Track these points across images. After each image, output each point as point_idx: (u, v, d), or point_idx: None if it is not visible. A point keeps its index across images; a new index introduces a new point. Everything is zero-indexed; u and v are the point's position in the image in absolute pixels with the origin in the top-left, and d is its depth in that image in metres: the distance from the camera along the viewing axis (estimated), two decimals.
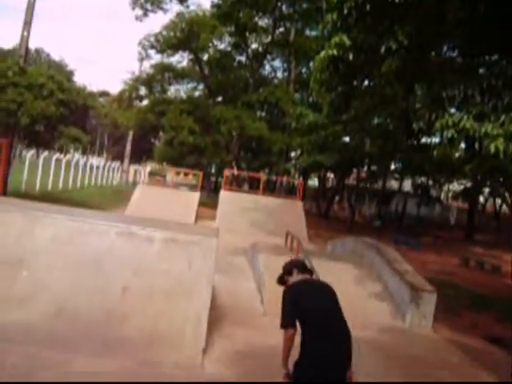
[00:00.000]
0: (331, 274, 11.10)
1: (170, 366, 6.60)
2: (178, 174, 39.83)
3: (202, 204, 26.94)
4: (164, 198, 24.70)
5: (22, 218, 8.09)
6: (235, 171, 36.38)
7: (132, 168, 53.68)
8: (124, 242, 7.84)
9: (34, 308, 7.25)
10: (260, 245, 14.10)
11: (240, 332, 8.49)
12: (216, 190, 40.42)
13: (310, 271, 5.12)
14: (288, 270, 5.09)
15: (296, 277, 4.99)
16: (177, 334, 7.15)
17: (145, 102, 44.29)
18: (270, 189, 37.81)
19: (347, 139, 33.81)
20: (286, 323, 4.58)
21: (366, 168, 38.06)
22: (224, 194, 26.06)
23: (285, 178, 38.53)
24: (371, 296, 11.06)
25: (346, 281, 11.28)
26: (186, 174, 39.36)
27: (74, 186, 34.02)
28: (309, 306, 4.62)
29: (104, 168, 43.67)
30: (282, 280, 5.11)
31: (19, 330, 6.85)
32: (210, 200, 33.31)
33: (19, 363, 6.14)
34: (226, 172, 31.89)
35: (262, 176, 33.02)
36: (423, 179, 39.80)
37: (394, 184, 48.01)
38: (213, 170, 51.44)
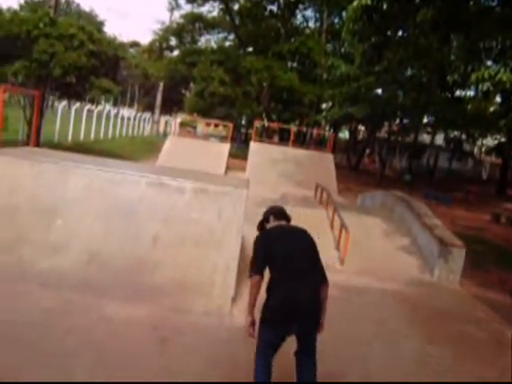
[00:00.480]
0: (360, 227, 11.17)
1: (199, 314, 6.77)
2: (208, 125, 39.82)
3: (231, 155, 27.00)
4: (194, 149, 24.79)
5: (56, 169, 8.24)
6: (265, 123, 36.22)
7: (163, 119, 53.81)
8: (155, 192, 7.95)
9: (67, 255, 7.46)
10: (289, 196, 14.16)
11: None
12: (246, 142, 40.40)
13: (287, 218, 5.03)
14: (266, 217, 5.06)
15: (272, 223, 4.97)
16: (206, 283, 7.30)
17: (175, 53, 44.14)
18: (301, 141, 37.60)
19: (379, 91, 33.28)
20: (252, 270, 4.61)
21: (397, 121, 37.53)
22: (254, 146, 26.03)
23: (315, 130, 38.26)
24: (400, 250, 11.09)
25: (374, 234, 11.33)
26: (216, 125, 39.33)
27: (106, 137, 34.36)
28: (277, 251, 4.60)
29: (135, 119, 43.90)
30: (261, 227, 5.10)
31: (54, 276, 7.07)
32: (239, 151, 33.35)
33: (54, 308, 6.36)
34: (256, 123, 31.75)
35: (293, 128, 32.83)
36: (456, 133, 39.15)
37: (425, 138, 47.30)
38: (243, 122, 51.22)
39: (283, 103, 42.17)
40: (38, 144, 19.27)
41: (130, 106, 78.27)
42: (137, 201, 7.82)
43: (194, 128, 43.37)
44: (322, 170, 23.20)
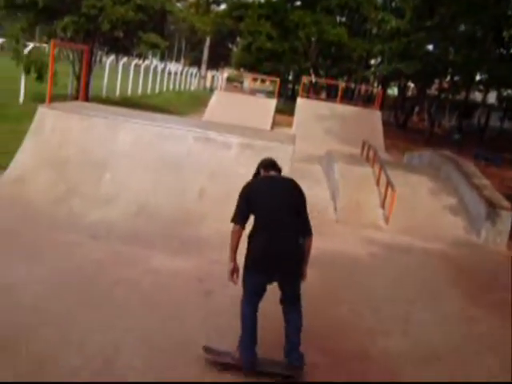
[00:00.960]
0: (406, 185, 11.03)
1: (242, 267, 6.86)
2: (255, 80, 39.59)
3: (278, 111, 26.83)
4: (241, 104, 24.71)
5: (105, 123, 8.40)
6: (313, 78, 35.75)
7: (209, 74, 53.65)
8: (201, 146, 8.03)
9: (116, 208, 7.66)
10: (335, 153, 14.06)
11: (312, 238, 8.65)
12: (293, 97, 39.98)
13: (277, 169, 4.96)
14: (257, 168, 5.02)
15: (262, 175, 4.95)
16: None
17: (222, 7, 43.59)
18: (348, 97, 37.04)
19: (430, 47, 32.29)
20: (234, 219, 4.64)
21: (448, 78, 36.45)
22: (301, 102, 25.76)
23: (363, 87, 37.58)
24: (446, 209, 10.93)
25: (420, 193, 11.18)
26: (263, 81, 39.10)
27: (153, 92, 34.56)
28: (259, 200, 4.60)
29: (182, 74, 43.90)
30: (254, 178, 5.07)
31: (103, 228, 7.29)
32: (286, 107, 33.08)
33: (103, 259, 6.57)
34: (304, 79, 31.35)
35: (340, 84, 32.31)
36: (510, 92, 37.81)
37: (477, 96, 45.85)
38: (290, 77, 50.62)
39: (331, 59, 41.42)
40: (86, 99, 19.56)
41: (177, 60, 78.18)
42: (184, 155, 7.92)
43: (241, 83, 43.22)
44: (369, 127, 22.82)
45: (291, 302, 4.71)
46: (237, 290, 5.34)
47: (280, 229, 4.48)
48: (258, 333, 4.62)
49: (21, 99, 20.13)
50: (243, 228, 4.62)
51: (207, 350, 4.72)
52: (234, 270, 4.65)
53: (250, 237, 4.58)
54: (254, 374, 4.59)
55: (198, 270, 6.60)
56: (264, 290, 4.65)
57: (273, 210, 4.52)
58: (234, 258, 4.63)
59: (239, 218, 4.61)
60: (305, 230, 4.68)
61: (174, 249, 6.97)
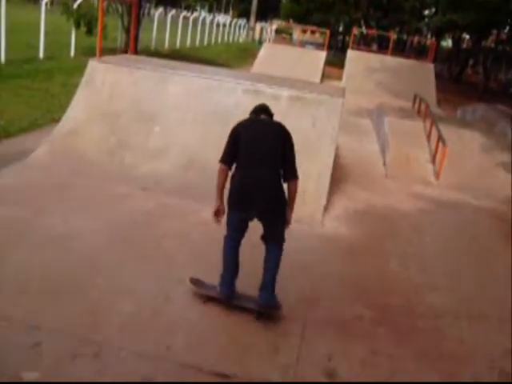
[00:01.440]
0: (458, 140, 10.78)
1: None
2: (304, 31, 38.85)
3: (328, 63, 26.39)
4: (290, 56, 24.38)
5: (154, 76, 8.43)
6: (364, 30, 34.86)
7: (258, 25, 52.92)
8: (250, 99, 7.97)
9: (166, 160, 7.74)
10: (386, 107, 13.80)
11: (361, 192, 8.62)
12: (343, 49, 39.19)
13: (270, 114, 4.97)
14: (250, 114, 5.03)
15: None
16: (298, 191, 7.37)
17: None
18: (400, 49, 36.03)
19: None
20: (221, 158, 4.70)
21: (507, 29, 34.92)
22: (351, 54, 25.20)
23: (416, 38, 36.46)
24: (498, 166, 10.65)
25: (473, 149, 10.91)
26: (312, 32, 38.34)
27: (201, 44, 34.40)
28: (244, 140, 4.62)
29: (230, 25, 43.47)
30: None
31: (153, 180, 7.40)
32: (336, 59, 32.46)
33: (153, 210, 6.70)
34: (355, 30, 30.59)
35: (392, 35, 31.39)
36: None
37: None
38: (340, 28, 49.51)
39: (383, 9, 40.22)
40: (135, 52, 19.62)
41: (226, 12, 77.30)
42: (233, 107, 7.90)
43: (290, 35, 42.53)
44: (422, 80, 22.21)
45: (269, 240, 4.79)
46: (286, 243, 5.38)
47: (256, 167, 4.54)
48: (239, 269, 4.81)
49: (72, 53, 20.36)
50: (229, 168, 4.70)
51: (194, 282, 4.91)
52: (219, 210, 4.73)
53: (232, 176, 4.68)
54: (232, 307, 4.75)
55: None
56: (245, 226, 4.74)
57: (253, 150, 4.57)
58: (219, 197, 4.70)
59: (225, 158, 4.70)
60: (290, 173, 4.69)
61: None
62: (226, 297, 4.75)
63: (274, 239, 4.78)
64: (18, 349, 3.90)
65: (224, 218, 4.77)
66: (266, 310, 4.68)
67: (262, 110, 4.96)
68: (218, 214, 4.75)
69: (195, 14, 35.24)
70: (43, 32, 18.70)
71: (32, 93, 13.11)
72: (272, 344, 4.37)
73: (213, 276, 5.24)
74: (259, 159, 4.54)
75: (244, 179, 4.57)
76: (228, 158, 4.68)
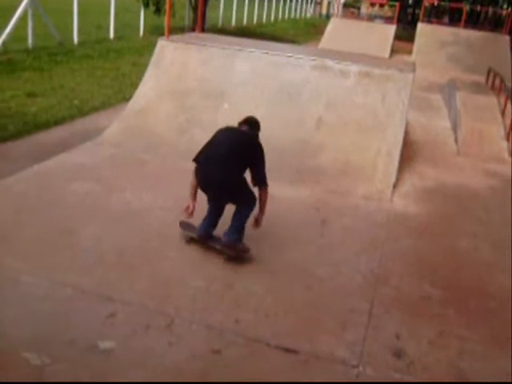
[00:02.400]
0: None
1: (359, 197, 6.85)
2: (372, 5, 37.98)
3: (397, 37, 25.76)
4: (358, 31, 23.97)
5: (222, 53, 8.47)
6: (435, 1, 33.71)
7: (325, 0, 52.16)
8: (318, 75, 7.92)
9: None
10: (458, 82, 13.37)
11: (431, 170, 8.44)
12: (413, 23, 38.03)
13: (254, 128, 5.29)
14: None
15: None
16: (368, 167, 7.32)
17: None
18: (473, 21, 34.64)
19: None
20: (194, 157, 5.03)
21: None
22: (422, 27, 24.47)
23: (490, 9, 34.94)
24: None
25: None
26: (381, 5, 37.46)
27: (268, 20, 34.26)
28: (212, 142, 5.04)
29: (297, 1, 43.01)
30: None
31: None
32: (406, 33, 31.59)
33: None
34: (425, 2, 29.63)
35: (465, 6, 30.22)
36: None
37: None
38: (410, 1, 48.09)
39: None
40: (203, 29, 19.75)
41: None
42: (301, 84, 7.86)
43: (358, 9, 41.70)
44: (496, 53, 21.34)
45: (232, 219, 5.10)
46: (352, 218, 5.36)
47: (213, 165, 4.87)
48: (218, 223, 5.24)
49: (141, 33, 20.71)
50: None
51: (182, 224, 5.42)
52: (188, 208, 5.07)
53: None
54: (205, 244, 5.23)
55: (315, 199, 6.67)
56: (219, 209, 5.26)
57: (214, 152, 4.90)
58: (191, 196, 5.08)
59: (198, 156, 5.02)
60: (259, 181, 5.01)
61: (290, 178, 7.05)
62: (200, 236, 5.23)
63: (232, 222, 5.08)
64: (93, 319, 4.05)
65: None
66: (225, 247, 5.04)
67: (247, 122, 5.27)
68: (187, 211, 5.06)
69: None
70: (113, 13, 19.10)
71: (104, 72, 13.46)
72: (339, 320, 4.37)
73: (278, 252, 5.30)
74: (216, 160, 4.86)
75: (203, 177, 4.96)
76: (198, 159, 5.01)
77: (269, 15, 34.93)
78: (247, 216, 5.06)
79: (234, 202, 5.08)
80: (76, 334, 3.85)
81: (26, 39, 15.24)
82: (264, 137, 7.66)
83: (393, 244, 5.83)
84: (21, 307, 4.09)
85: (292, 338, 4.09)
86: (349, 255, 5.25)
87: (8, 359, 3.56)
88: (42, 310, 4.09)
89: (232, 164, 4.87)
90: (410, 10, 49.32)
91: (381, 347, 4.11)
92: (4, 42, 14.22)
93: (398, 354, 4.06)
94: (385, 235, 6.00)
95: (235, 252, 5.06)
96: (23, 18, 14.95)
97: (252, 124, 5.30)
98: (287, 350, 3.94)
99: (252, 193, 5.04)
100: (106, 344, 3.79)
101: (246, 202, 5.03)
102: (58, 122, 9.07)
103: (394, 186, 7.26)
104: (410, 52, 22.97)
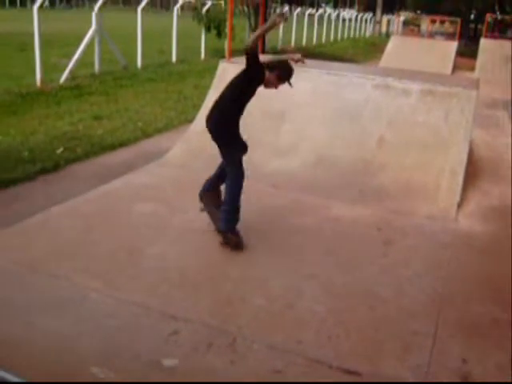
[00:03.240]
0: None
1: (422, 217, 6.73)
2: (433, 22, 37.49)
3: (459, 54, 25.32)
4: (418, 48, 23.69)
5: None
6: (498, 16, 33.00)
7: (384, 18, 51.89)
8: (380, 94, 7.88)
9: (295, 157, 7.83)
10: None
11: (496, 188, 8.18)
12: (475, 38, 37.34)
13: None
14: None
15: None
16: (431, 187, 7.19)
17: None
18: None
19: None
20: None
21: None
22: (484, 42, 24.00)
23: None
24: None
25: None
26: (442, 22, 36.89)
27: (327, 40, 34.34)
28: None
29: (356, 20, 42.97)
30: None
31: (283, 177, 7.51)
32: (468, 49, 31.00)
33: (283, 206, 6.81)
34: (488, 17, 29.04)
35: None
36: None
37: None
38: (472, 16, 47.23)
39: None
40: (263, 51, 19.98)
41: (350, 6, 76.46)
42: (362, 103, 7.84)
43: (418, 26, 41.22)
44: None
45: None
46: (416, 238, 5.26)
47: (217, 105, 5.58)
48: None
49: (202, 56, 21.13)
50: None
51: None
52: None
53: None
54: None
55: (377, 218, 6.59)
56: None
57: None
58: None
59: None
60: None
61: (352, 198, 7.00)
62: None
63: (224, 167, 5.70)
64: (157, 336, 4.12)
65: None
66: (220, 232, 5.52)
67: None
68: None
69: (320, 11, 35.20)
70: (175, 37, 19.59)
71: (166, 95, 13.80)
72: (403, 343, 4.28)
73: (340, 272, 5.26)
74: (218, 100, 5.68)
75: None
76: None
77: (328, 35, 35.00)
78: (235, 194, 5.40)
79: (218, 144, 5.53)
80: (140, 351, 3.92)
81: (92, 65, 15.82)
82: (325, 156, 7.73)
83: (458, 264, 5.69)
84: (88, 323, 4.21)
85: (354, 359, 4.04)
86: (413, 276, 5.15)
87: (76, 373, 3.67)
88: (109, 326, 4.20)
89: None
90: (471, 26, 48.49)
91: (446, 371, 4.00)
92: (72, 69, 14.79)
93: (465, 377, 3.95)
94: (450, 255, 5.86)
95: (225, 240, 5.44)
96: (90, 44, 15.53)
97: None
98: (349, 372, 3.89)
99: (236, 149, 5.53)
100: (169, 361, 3.85)
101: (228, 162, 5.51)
102: (122, 143, 9.36)
103: (459, 205, 7.10)
104: (472, 68, 22.55)
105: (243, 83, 5.49)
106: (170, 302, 4.59)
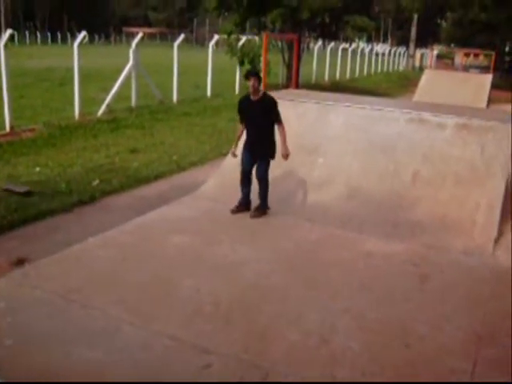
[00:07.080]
0: None
1: (459, 253, 6.63)
2: (467, 55, 37.40)
3: (494, 87, 25.10)
4: (452, 82, 23.55)
5: (316, 108, 8.61)
6: None
7: (418, 52, 51.98)
8: (414, 128, 7.86)
9: (329, 191, 7.83)
10: None
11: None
12: (511, 71, 37.08)
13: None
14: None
15: None
16: (467, 222, 7.09)
17: None
18: None
19: None
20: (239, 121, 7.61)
21: None
22: None
23: None
24: None
25: None
26: (476, 55, 36.78)
27: (361, 74, 34.50)
28: (246, 113, 7.50)
29: (389, 54, 43.14)
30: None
31: (317, 211, 7.51)
32: (503, 82, 30.82)
33: (318, 240, 6.80)
34: None
35: None
36: None
37: None
38: (506, 49, 46.96)
39: None
40: (297, 85, 20.18)
41: (384, 41, 76.87)
42: (395, 137, 7.83)
43: (452, 59, 41.18)
44: None
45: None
46: (453, 274, 5.17)
47: (256, 132, 7.51)
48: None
49: (236, 90, 21.42)
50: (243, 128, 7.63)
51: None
52: (234, 153, 7.67)
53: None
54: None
55: (412, 253, 6.51)
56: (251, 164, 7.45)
57: (253, 121, 7.49)
58: (235, 145, 7.73)
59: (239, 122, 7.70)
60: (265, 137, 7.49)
61: (387, 232, 6.95)
62: (240, 204, 7.52)
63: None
64: (189, 369, 4.12)
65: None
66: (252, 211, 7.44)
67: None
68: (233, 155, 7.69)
69: (354, 45, 35.47)
70: (210, 72, 19.93)
71: (201, 129, 14.00)
72: (440, 381, 4.20)
73: (375, 307, 5.19)
74: (255, 128, 7.47)
75: (247, 140, 7.54)
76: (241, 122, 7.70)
77: (361, 69, 35.18)
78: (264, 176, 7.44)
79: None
80: None
81: (129, 98, 16.17)
82: (359, 190, 7.70)
83: (497, 301, 5.57)
84: (121, 355, 4.24)
85: None
86: (450, 312, 5.06)
87: None
88: (141, 359, 4.21)
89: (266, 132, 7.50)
90: (507, 59, 48.18)
91: None
92: (109, 103, 15.15)
93: None
94: (488, 292, 5.74)
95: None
96: (127, 79, 15.90)
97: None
98: None
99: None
100: None
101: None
102: (158, 176, 9.50)
103: (496, 240, 6.97)
104: (508, 101, 22.32)
105: None
106: (203, 335, 4.59)
